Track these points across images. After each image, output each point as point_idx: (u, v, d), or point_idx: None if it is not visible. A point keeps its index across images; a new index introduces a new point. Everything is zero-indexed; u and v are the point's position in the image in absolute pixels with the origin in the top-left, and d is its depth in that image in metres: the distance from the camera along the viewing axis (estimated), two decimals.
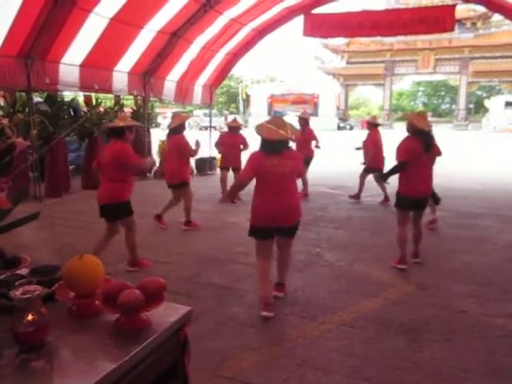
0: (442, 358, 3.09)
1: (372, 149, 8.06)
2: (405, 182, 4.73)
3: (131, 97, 11.69)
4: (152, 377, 1.44)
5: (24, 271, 1.76)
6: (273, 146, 3.63)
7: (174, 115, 6.81)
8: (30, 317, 1.28)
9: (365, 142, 8.39)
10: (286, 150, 3.70)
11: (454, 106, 45.30)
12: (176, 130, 6.31)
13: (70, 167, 9.57)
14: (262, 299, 3.69)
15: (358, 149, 8.68)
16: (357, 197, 8.46)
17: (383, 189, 8.04)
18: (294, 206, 3.75)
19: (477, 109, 45.16)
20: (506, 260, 5.12)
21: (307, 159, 8.63)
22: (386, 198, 7.98)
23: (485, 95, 45.75)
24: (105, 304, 1.48)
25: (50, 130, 8.14)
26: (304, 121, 8.85)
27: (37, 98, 9.64)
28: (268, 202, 3.67)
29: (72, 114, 9.66)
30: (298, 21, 11.19)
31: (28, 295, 1.29)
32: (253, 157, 3.73)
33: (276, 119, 3.91)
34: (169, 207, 6.45)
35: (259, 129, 3.71)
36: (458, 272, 4.73)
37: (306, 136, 8.60)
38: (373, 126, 8.35)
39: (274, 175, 3.62)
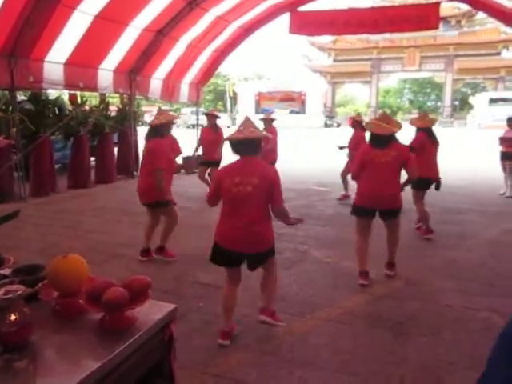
0: (428, 351, 3.13)
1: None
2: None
3: (117, 95, 11.59)
4: (137, 375, 1.44)
5: (6, 271, 1.75)
6: (380, 139, 4.25)
7: (160, 112, 5.32)
8: (12, 317, 1.27)
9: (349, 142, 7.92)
10: (393, 142, 4.27)
11: (439, 103, 45.74)
12: (158, 130, 4.85)
13: (56, 166, 9.46)
14: (360, 273, 4.33)
15: (341, 148, 8.20)
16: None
17: None
18: (390, 194, 4.26)
19: (462, 106, 45.62)
20: (489, 255, 5.19)
21: (217, 162, 7.76)
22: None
23: (470, 92, 46.27)
24: (89, 303, 1.48)
25: (32, 129, 8.03)
26: (213, 118, 8.00)
27: (21, 97, 9.52)
28: (369, 188, 4.30)
29: (57, 112, 9.54)
30: (285, 18, 11.21)
31: (9, 295, 1.28)
32: (360, 151, 4.44)
33: (384, 116, 4.49)
34: (149, 232, 5.07)
35: (369, 125, 4.50)
36: (443, 267, 4.79)
37: (219, 136, 7.76)
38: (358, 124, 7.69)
39: (375, 165, 4.21)
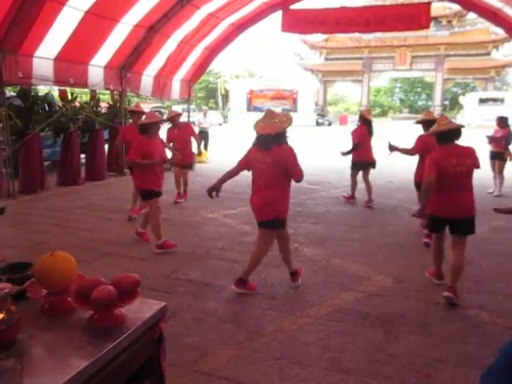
0: (417, 349, 3.15)
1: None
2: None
3: (108, 91, 11.50)
4: (126, 373, 1.44)
5: None
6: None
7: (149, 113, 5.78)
8: None
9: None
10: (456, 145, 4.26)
11: (430, 103, 45.97)
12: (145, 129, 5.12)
13: (45, 163, 9.38)
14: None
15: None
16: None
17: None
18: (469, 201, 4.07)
19: (452, 105, 45.97)
20: (477, 253, 5.23)
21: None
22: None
23: (460, 92, 46.61)
24: (78, 301, 1.47)
25: (18, 125, 7.94)
26: (139, 115, 7.09)
27: (10, 93, 9.40)
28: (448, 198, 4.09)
29: (47, 108, 9.44)
30: (278, 16, 11.22)
31: None
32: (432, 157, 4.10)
33: (443, 118, 4.60)
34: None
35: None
36: (432, 265, 4.82)
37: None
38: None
39: (453, 173, 3.91)
